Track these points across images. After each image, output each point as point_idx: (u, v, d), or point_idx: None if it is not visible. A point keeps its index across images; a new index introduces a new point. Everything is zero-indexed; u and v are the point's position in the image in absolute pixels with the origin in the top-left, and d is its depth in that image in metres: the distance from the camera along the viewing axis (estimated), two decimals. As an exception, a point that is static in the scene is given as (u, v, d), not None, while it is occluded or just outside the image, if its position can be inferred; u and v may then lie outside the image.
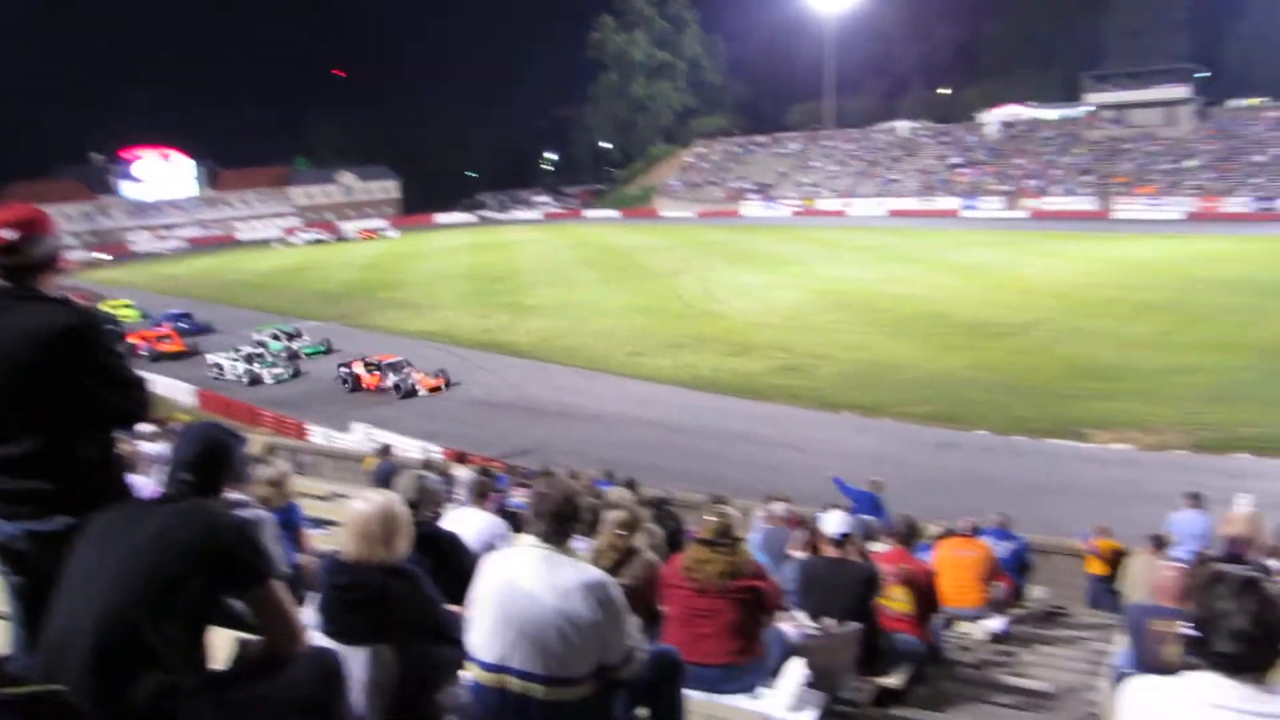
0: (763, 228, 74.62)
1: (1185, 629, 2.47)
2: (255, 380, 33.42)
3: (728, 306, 41.01)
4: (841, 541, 6.17)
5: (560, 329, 38.58)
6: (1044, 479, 19.88)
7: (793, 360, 30.70)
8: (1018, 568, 10.07)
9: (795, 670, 4.95)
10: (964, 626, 8.50)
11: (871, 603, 6.06)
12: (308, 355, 36.60)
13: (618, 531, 5.32)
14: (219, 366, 34.84)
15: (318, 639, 3.49)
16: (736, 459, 22.03)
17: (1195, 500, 12.21)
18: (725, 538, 4.97)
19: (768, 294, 43.17)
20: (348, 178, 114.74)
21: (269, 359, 34.97)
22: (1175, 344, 29.55)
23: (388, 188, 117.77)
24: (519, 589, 3.39)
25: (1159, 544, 10.07)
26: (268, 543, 3.86)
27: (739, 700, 4.79)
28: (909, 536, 7.12)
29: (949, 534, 9.39)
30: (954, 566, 8.67)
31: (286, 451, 18.65)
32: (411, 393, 30.01)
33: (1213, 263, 44.93)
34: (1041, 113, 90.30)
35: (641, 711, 3.85)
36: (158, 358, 37.18)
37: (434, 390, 30.12)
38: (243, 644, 3.23)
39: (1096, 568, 11.16)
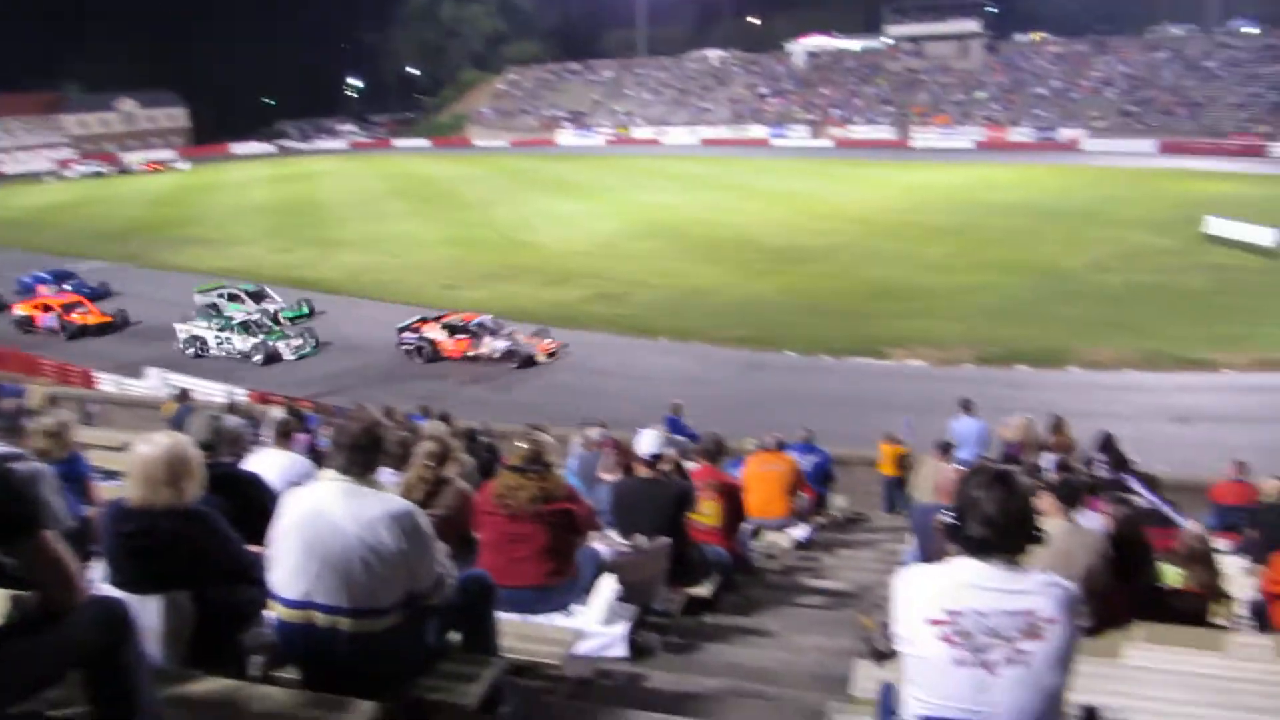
0: (577, 156, 74.34)
1: (946, 518, 2.71)
2: (272, 357, 25.92)
3: (544, 236, 40.80)
4: (653, 461, 6.34)
5: (371, 264, 37.40)
6: (847, 395, 20.98)
7: (609, 288, 30.96)
8: (821, 479, 10.64)
9: (607, 586, 5.10)
10: (771, 536, 8.95)
11: (682, 518, 6.29)
12: (287, 320, 28.87)
13: (426, 463, 5.31)
14: (199, 341, 26.91)
15: (106, 589, 3.34)
16: (555, 386, 22.26)
17: (968, 407, 13.22)
18: (536, 464, 5.03)
19: (583, 223, 43.20)
20: (128, 105, 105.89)
21: (278, 329, 27.30)
22: (964, 265, 31.56)
23: (174, 115, 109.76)
24: (321, 523, 3.33)
25: (945, 450, 10.84)
26: (45, 495, 3.63)
27: (554, 619, 4.91)
28: (717, 453, 7.39)
29: (758, 450, 9.80)
30: (761, 480, 9.08)
31: (73, 402, 17.42)
32: (530, 361, 23.93)
33: (999, 189, 48.00)
34: (845, 43, 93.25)
35: (454, 636, 3.89)
36: (77, 333, 29.57)
37: (551, 355, 24.42)
38: (16, 599, 3.05)
39: (890, 470, 11.92)
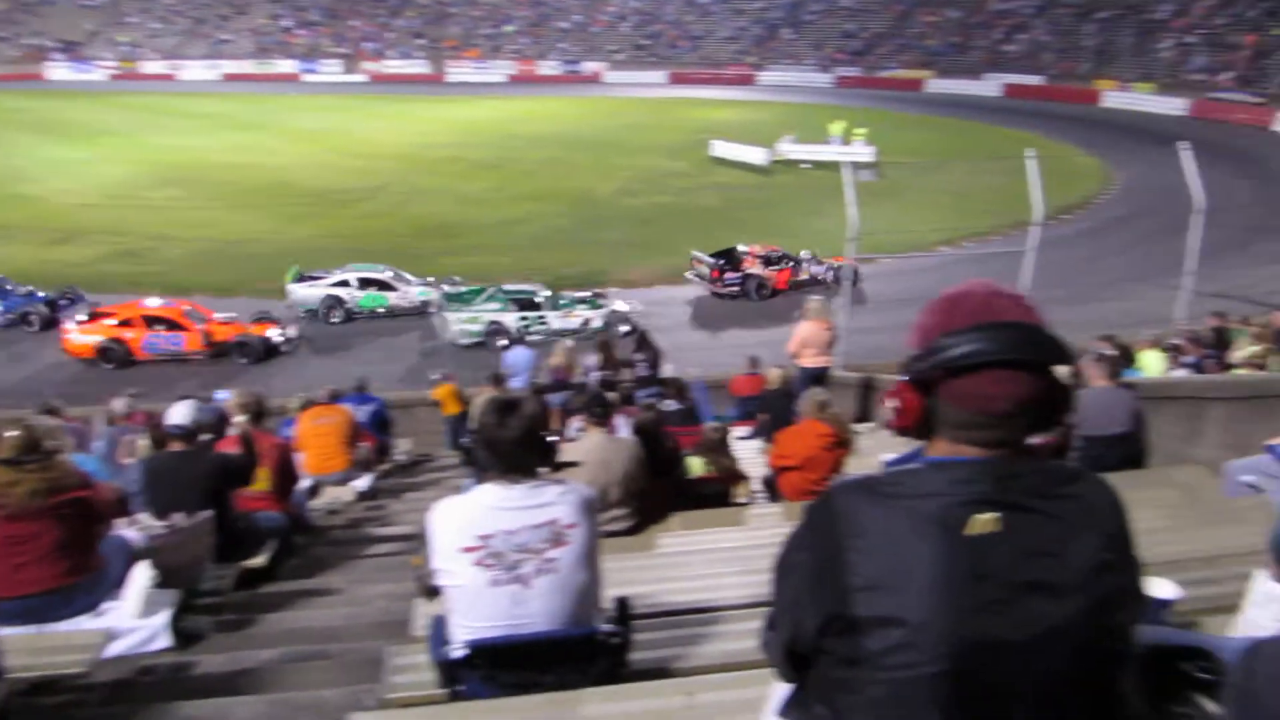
0: (75, 94, 64.97)
1: (466, 443, 2.83)
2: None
3: (40, 187, 35.37)
4: (181, 434, 5.86)
5: None
6: (402, 334, 20.89)
7: (129, 244, 27.82)
8: (379, 426, 10.51)
9: (141, 575, 4.65)
10: (333, 491, 8.70)
11: (227, 489, 5.89)
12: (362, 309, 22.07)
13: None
14: (497, 327, 19.88)
15: None
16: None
17: (518, 339, 13.83)
18: (33, 453, 4.41)
19: (88, 170, 38.08)
20: None
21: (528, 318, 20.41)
22: (506, 198, 32.45)
23: None
24: None
25: (497, 380, 11.18)
26: None
27: (80, 622, 4.39)
28: (258, 415, 6.98)
29: (309, 405, 9.43)
30: (316, 435, 8.76)
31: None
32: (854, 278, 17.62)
33: (532, 121, 49.67)
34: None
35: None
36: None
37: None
38: None
39: (451, 409, 12.09)
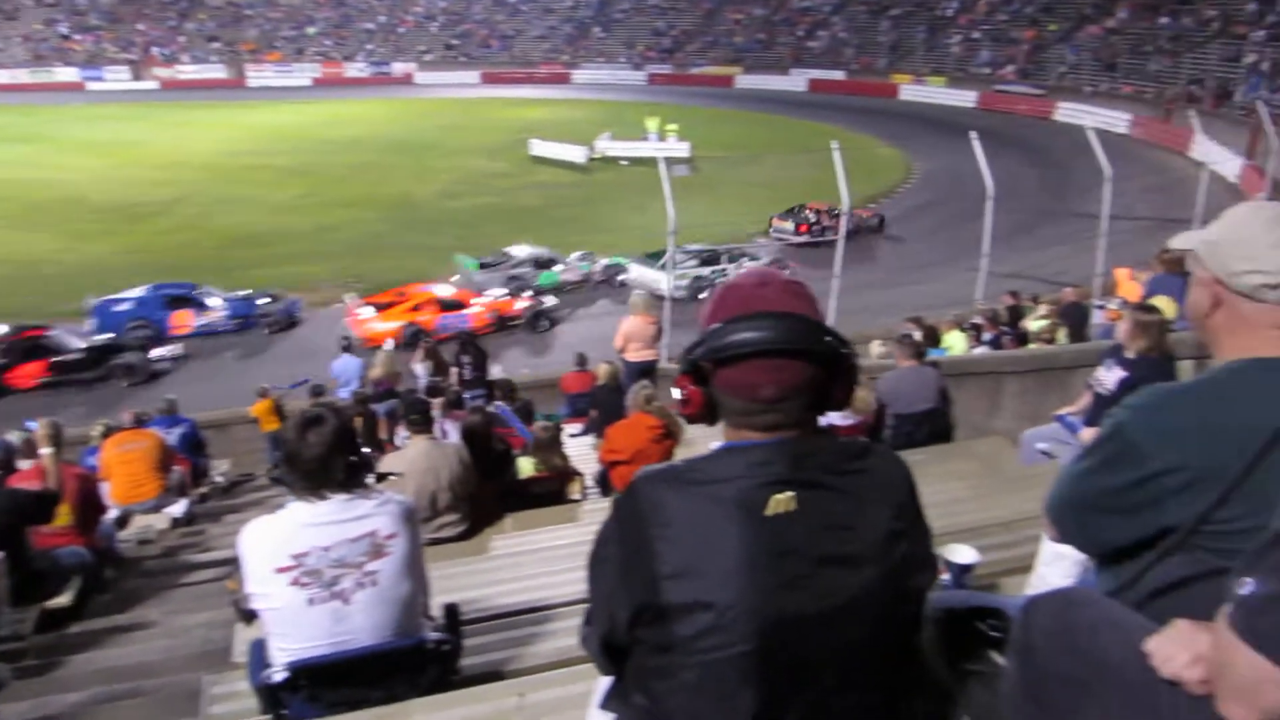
0: None
1: (273, 467, 2.72)
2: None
3: None
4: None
5: None
6: (225, 352, 19.97)
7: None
8: (191, 447, 9.99)
9: (-76, 629, 4.28)
10: (145, 519, 8.23)
11: (21, 527, 5.47)
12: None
13: None
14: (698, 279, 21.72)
15: None
16: None
17: (348, 346, 13.45)
18: None
19: None
20: None
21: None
22: (319, 204, 31.41)
23: None
24: None
25: (317, 392, 10.83)
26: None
27: None
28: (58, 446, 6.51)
29: (111, 431, 8.88)
30: (123, 463, 8.27)
31: None
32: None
33: (341, 125, 48.21)
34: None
35: None
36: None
37: None
38: None
39: (270, 425, 11.62)
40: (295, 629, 2.69)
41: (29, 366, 17.82)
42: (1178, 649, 1.41)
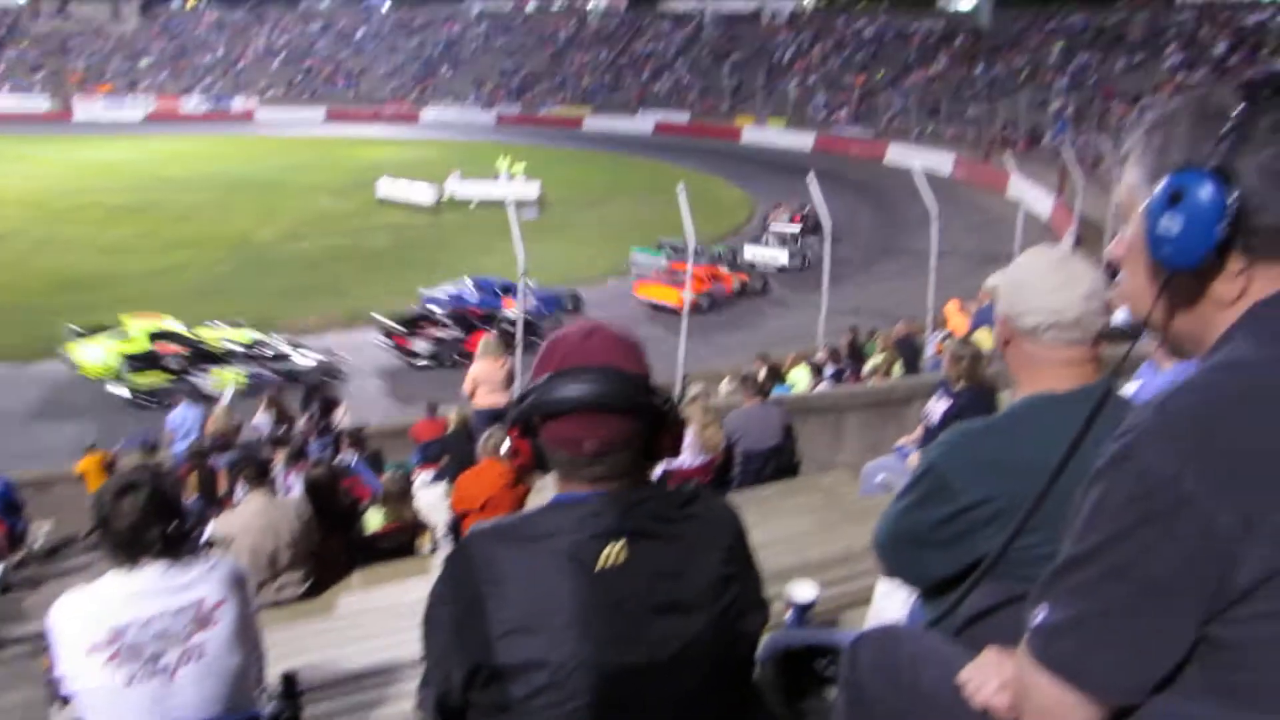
0: None
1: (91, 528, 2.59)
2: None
3: None
4: None
5: None
6: (40, 406, 18.72)
7: None
8: (7, 509, 9.35)
9: None
10: (-45, 590, 7.65)
11: None
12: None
13: None
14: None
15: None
16: None
17: (192, 396, 12.89)
18: None
19: None
20: None
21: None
22: (155, 245, 30.00)
23: None
24: None
25: (150, 449, 10.34)
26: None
27: None
28: None
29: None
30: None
31: None
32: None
33: (178, 162, 46.27)
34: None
35: None
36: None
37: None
38: None
39: (98, 483, 10.96)
40: (112, 712, 2.52)
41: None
42: (987, 677, 1.49)
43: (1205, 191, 1.10)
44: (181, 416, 12.62)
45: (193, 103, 67.59)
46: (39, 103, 66.27)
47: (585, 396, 1.55)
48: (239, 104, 67.57)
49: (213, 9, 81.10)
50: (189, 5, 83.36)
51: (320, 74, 71.58)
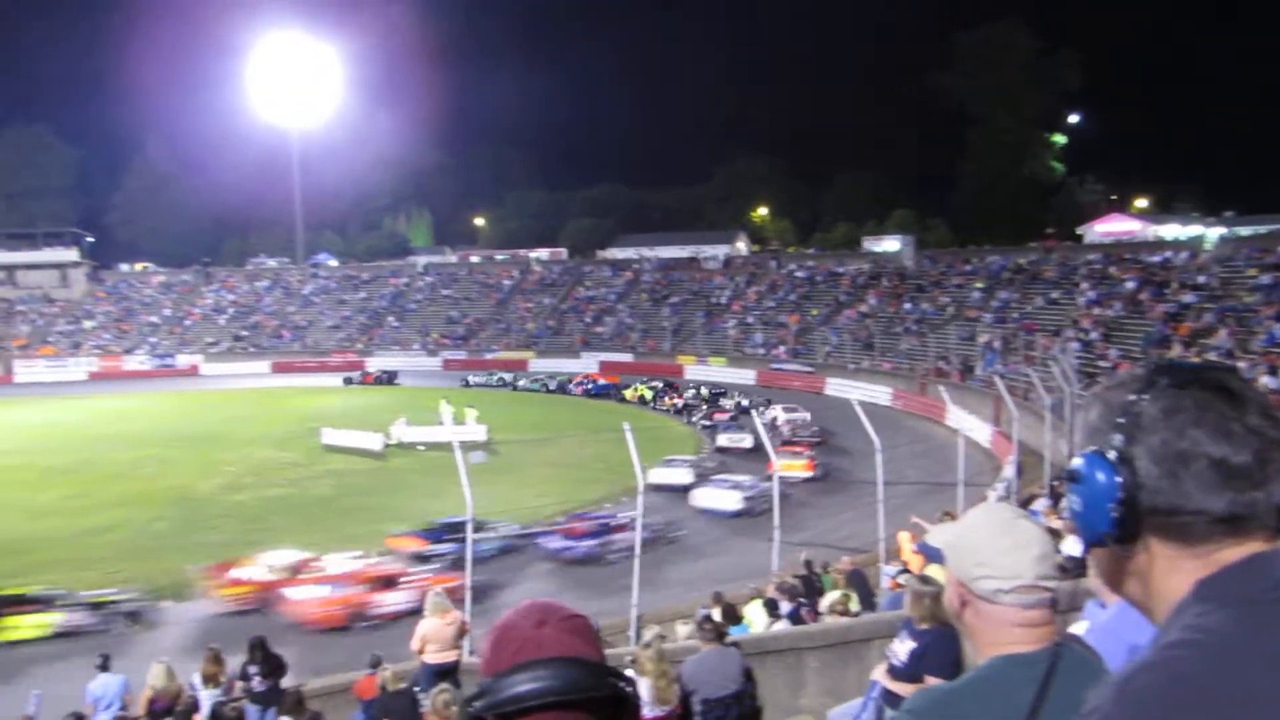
0: None
1: None
2: None
3: None
4: None
5: None
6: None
7: None
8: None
9: None
10: None
11: None
12: None
13: None
14: None
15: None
16: None
17: (105, 664, 12.20)
18: None
19: None
20: None
21: None
22: (89, 505, 29.19)
23: None
24: None
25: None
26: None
27: None
28: None
29: None
30: None
31: None
32: None
33: (120, 419, 45.94)
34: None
35: None
36: None
37: None
38: None
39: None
40: None
41: None
42: None
43: (1100, 474, 1.17)
44: (104, 685, 11.88)
45: (137, 360, 67.97)
46: (-22, 367, 66.22)
47: (547, 692, 1.47)
48: (184, 359, 68.14)
49: (162, 271, 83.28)
50: (138, 268, 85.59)
51: (266, 328, 72.90)
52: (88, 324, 73.43)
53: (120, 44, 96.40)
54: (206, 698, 11.28)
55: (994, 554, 1.84)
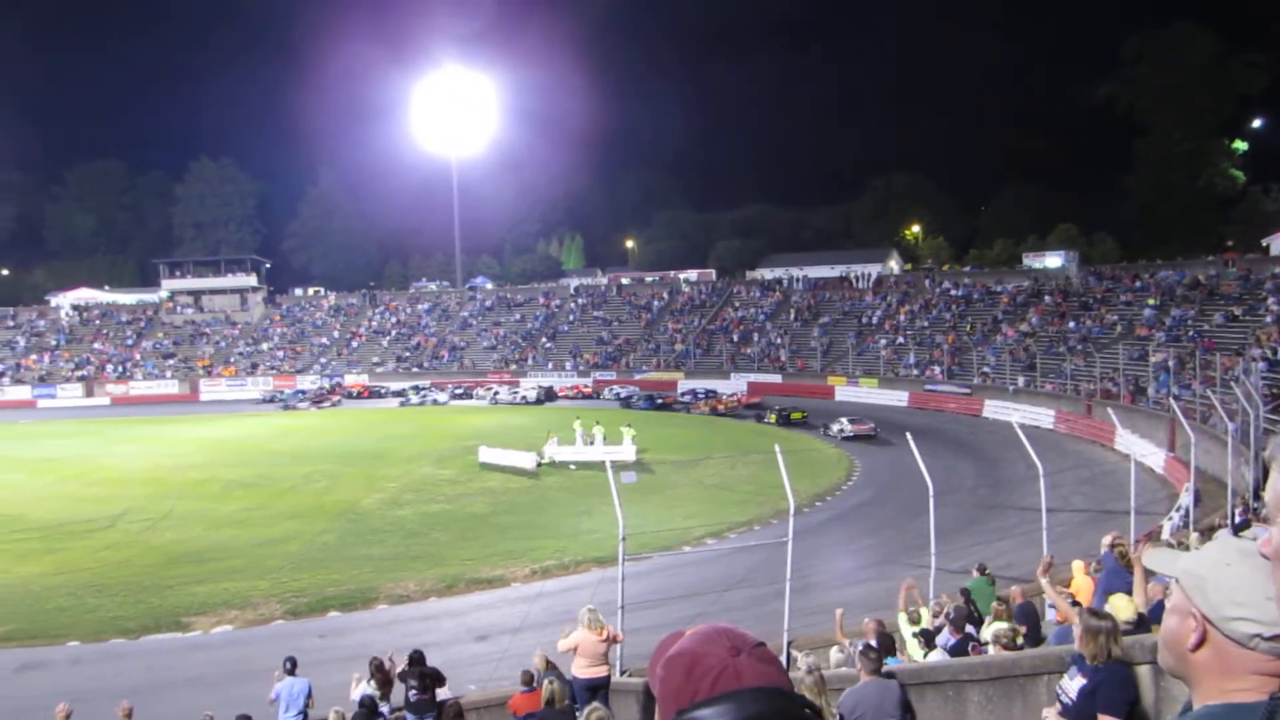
0: None
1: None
2: None
3: None
4: None
5: None
6: (147, 680, 18.76)
7: None
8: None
9: None
10: None
11: None
12: None
13: None
14: None
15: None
16: None
17: (293, 667, 12.82)
18: None
19: None
20: None
21: None
22: (264, 517, 30.97)
23: None
24: None
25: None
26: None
27: None
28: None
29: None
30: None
31: None
32: None
33: (293, 436, 48.64)
34: (117, 297, 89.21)
35: None
36: None
37: None
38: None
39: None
40: None
41: None
42: None
43: None
44: (289, 684, 12.52)
45: (308, 380, 71.79)
46: (168, 386, 71.34)
47: None
48: (350, 378, 71.50)
49: (330, 294, 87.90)
50: (310, 292, 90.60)
51: (426, 349, 75.81)
52: (264, 345, 78.14)
53: (297, 84, 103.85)
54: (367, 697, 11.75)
55: (1257, 597, 1.68)
